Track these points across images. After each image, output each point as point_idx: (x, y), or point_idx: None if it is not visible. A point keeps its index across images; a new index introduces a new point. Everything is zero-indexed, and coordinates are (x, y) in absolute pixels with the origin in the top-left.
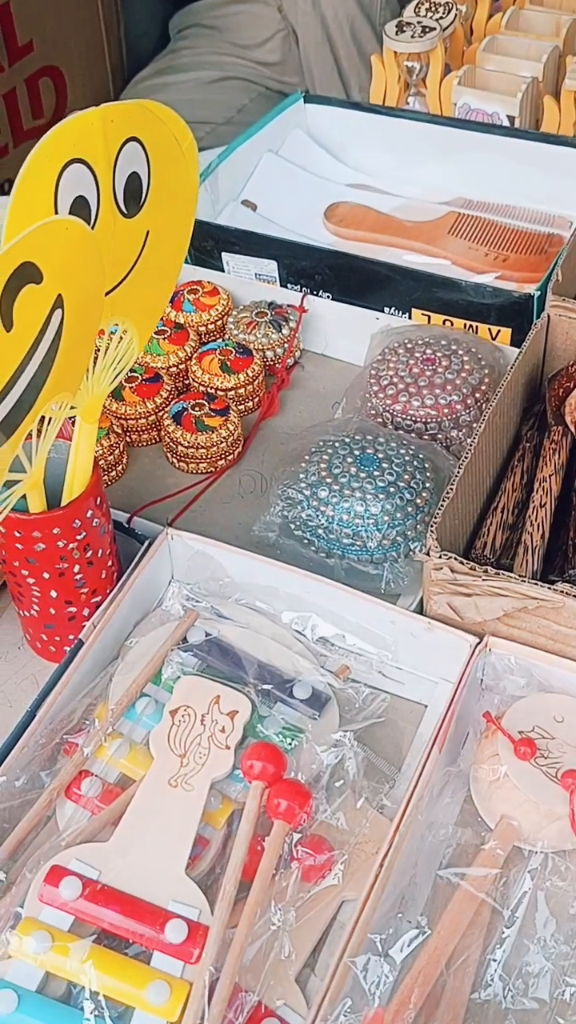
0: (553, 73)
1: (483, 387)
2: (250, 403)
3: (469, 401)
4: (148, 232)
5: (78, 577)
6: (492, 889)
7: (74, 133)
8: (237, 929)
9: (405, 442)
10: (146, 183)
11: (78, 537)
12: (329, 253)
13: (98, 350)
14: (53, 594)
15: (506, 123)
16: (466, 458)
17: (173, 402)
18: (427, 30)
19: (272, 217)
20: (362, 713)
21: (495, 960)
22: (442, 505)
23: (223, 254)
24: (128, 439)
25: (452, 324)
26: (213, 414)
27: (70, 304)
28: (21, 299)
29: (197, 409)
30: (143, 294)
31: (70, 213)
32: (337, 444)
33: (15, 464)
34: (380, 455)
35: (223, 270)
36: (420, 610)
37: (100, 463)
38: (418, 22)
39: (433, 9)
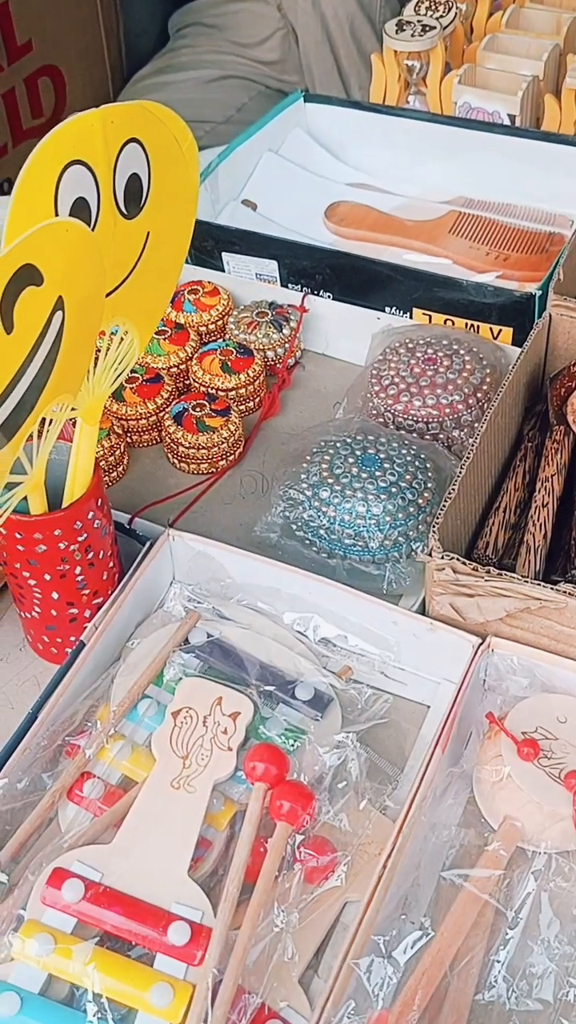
0: (554, 71)
1: (485, 387)
2: (251, 403)
3: (471, 401)
4: (148, 233)
5: (79, 578)
6: (495, 890)
7: (74, 134)
8: (240, 931)
9: (407, 442)
10: (146, 184)
11: (79, 538)
12: (330, 253)
13: (99, 351)
14: (54, 595)
15: (507, 122)
16: (468, 458)
17: (174, 403)
18: (427, 29)
19: (272, 217)
20: (364, 714)
21: (499, 961)
22: (444, 505)
23: (223, 254)
24: (129, 440)
25: (453, 324)
26: (214, 414)
27: (71, 306)
28: (22, 301)
29: (198, 409)
30: (144, 295)
31: (70, 215)
32: (338, 444)
33: (16, 466)
34: (382, 455)
35: (223, 270)
36: (422, 611)
37: (101, 464)
38: (418, 21)
39: (433, 8)
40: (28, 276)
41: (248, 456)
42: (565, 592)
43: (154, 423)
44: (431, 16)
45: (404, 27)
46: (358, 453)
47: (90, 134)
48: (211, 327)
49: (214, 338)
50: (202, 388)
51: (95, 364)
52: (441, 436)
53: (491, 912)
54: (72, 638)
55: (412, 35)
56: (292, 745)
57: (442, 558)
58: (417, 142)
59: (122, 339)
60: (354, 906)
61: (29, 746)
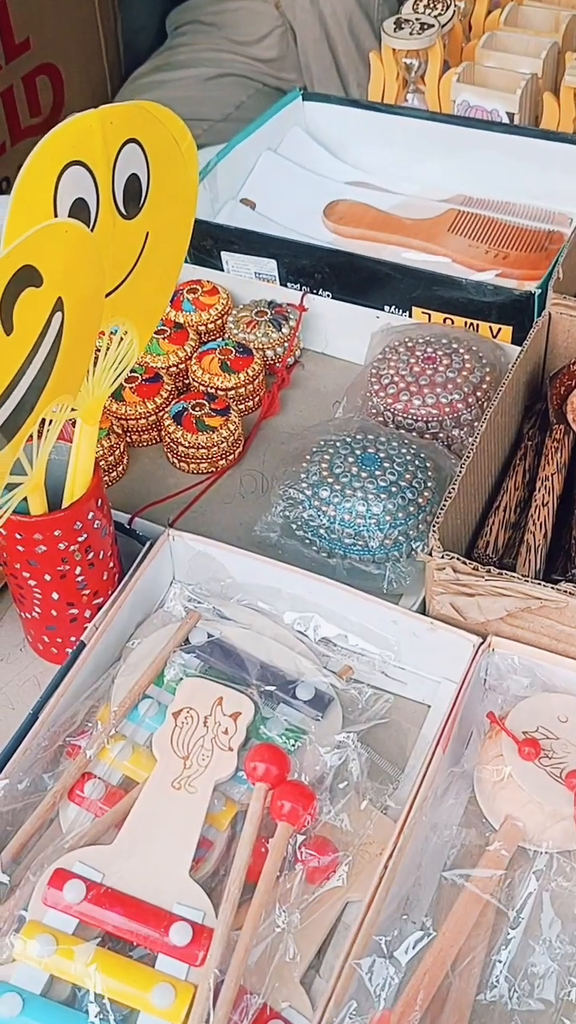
0: (552, 69)
1: (484, 386)
2: (250, 403)
3: (470, 400)
4: (148, 233)
5: (79, 579)
6: (497, 890)
7: (73, 135)
8: (241, 931)
9: (406, 441)
10: (145, 184)
11: (79, 539)
12: (329, 251)
13: (98, 351)
14: (55, 596)
15: (505, 120)
16: (468, 457)
17: (173, 402)
18: (425, 27)
19: (271, 215)
20: (365, 714)
21: (500, 961)
22: (444, 505)
23: (222, 253)
24: (128, 439)
25: (453, 322)
26: (213, 414)
27: (70, 307)
28: (21, 302)
29: (197, 409)
30: (143, 295)
31: (69, 215)
32: (338, 444)
33: (16, 467)
34: (381, 454)
35: (222, 269)
36: (423, 610)
37: (100, 463)
38: (416, 19)
39: (432, 6)
40: (28, 277)
41: (248, 455)
42: (565, 591)
43: (154, 423)
44: (429, 14)
45: (402, 25)
46: (358, 452)
47: (89, 135)
48: (210, 326)
49: (213, 337)
50: (201, 387)
51: (94, 364)
52: (441, 435)
53: (492, 912)
54: (72, 638)
55: (410, 33)
56: (293, 745)
57: (442, 557)
58: (416, 140)
59: (121, 339)
60: (355, 906)
61: (30, 747)
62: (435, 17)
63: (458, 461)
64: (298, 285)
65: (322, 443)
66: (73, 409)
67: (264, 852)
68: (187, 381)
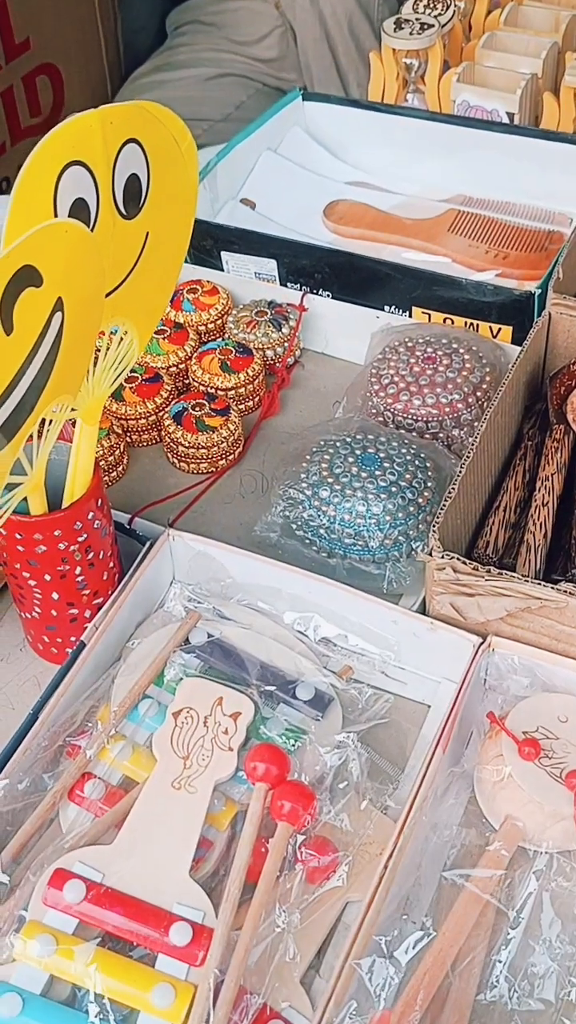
0: (552, 69)
1: (484, 386)
2: (250, 402)
3: (470, 400)
4: (148, 233)
5: (79, 579)
6: (497, 890)
7: (73, 135)
8: (241, 931)
9: (406, 441)
10: (145, 184)
11: (79, 539)
12: (329, 251)
13: (98, 351)
14: (55, 596)
15: (505, 120)
16: (468, 457)
17: (173, 402)
18: (425, 27)
19: (271, 215)
20: (365, 714)
21: (500, 961)
22: (444, 505)
23: (222, 253)
24: (128, 439)
25: (453, 322)
26: (213, 414)
27: (70, 307)
28: (21, 303)
29: (197, 409)
30: (143, 295)
31: (69, 215)
32: (338, 444)
33: (16, 467)
34: (381, 454)
35: (222, 269)
36: (423, 610)
37: (100, 463)
38: (416, 19)
39: (431, 6)
40: (28, 277)
41: (248, 455)
42: (565, 591)
43: (154, 423)
44: (429, 14)
45: (402, 25)
46: (358, 452)
47: (89, 135)
48: (210, 326)
49: (213, 337)
50: (201, 387)
51: (94, 364)
52: (441, 435)
53: (492, 912)
54: (72, 638)
55: (410, 33)
56: (293, 745)
57: (442, 557)
58: (416, 140)
59: (121, 339)
60: (355, 906)
61: (30, 747)
62: (435, 17)
63: (458, 461)
64: (298, 285)
65: (322, 443)
66: (73, 409)
67: (264, 852)
68: (187, 381)
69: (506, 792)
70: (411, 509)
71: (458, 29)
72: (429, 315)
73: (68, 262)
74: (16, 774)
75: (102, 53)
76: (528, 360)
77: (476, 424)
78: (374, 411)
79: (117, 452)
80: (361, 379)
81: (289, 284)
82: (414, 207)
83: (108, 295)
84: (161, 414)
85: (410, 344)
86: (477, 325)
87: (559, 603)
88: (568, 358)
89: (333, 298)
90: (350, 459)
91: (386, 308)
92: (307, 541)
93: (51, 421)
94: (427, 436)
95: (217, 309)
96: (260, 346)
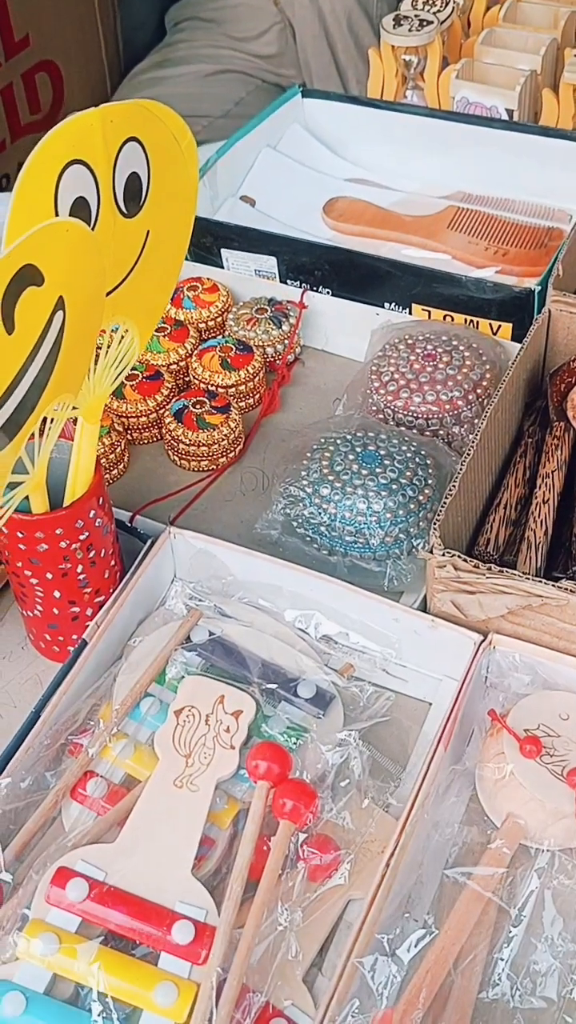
0: (551, 66)
1: (484, 383)
2: (251, 400)
3: (470, 397)
4: (148, 232)
5: (81, 577)
6: (499, 888)
7: (73, 134)
8: (244, 929)
9: (407, 439)
10: (146, 183)
11: (81, 537)
12: (329, 249)
13: (99, 349)
14: (56, 594)
15: (505, 116)
16: (468, 454)
17: (174, 400)
18: (425, 23)
19: (271, 212)
20: (366, 712)
21: (502, 959)
22: (445, 502)
23: (222, 250)
24: (129, 437)
25: (453, 319)
26: (214, 411)
27: (71, 306)
28: (23, 302)
29: (198, 407)
30: (144, 294)
31: (70, 214)
32: (339, 441)
33: (18, 465)
34: (382, 452)
35: (222, 266)
36: (423, 607)
37: (101, 461)
38: (415, 15)
39: (431, 2)
40: (29, 276)
41: (248, 453)
42: (566, 589)
43: (154, 420)
44: (428, 11)
45: (401, 22)
46: (358, 450)
47: (89, 133)
48: (210, 324)
49: (213, 335)
50: (202, 385)
51: (95, 363)
52: (441, 432)
53: (494, 910)
54: (74, 636)
55: (409, 30)
56: (294, 743)
57: (443, 555)
58: (415, 137)
59: (122, 337)
60: (357, 904)
61: (32, 745)
62: (434, 14)
63: (458, 458)
64: (298, 282)
65: (322, 440)
66: (74, 408)
67: (266, 850)
68: (188, 379)
69: (508, 790)
70: (412, 506)
71: (457, 25)
72: (429, 312)
73: (69, 261)
74: (19, 772)
75: (101, 50)
76: (528, 357)
77: (476, 421)
78: (374, 408)
79: (118, 450)
80: (361, 376)
81: (289, 281)
82: (414, 204)
83: (109, 294)
84: (162, 412)
85: (410, 341)
86: (477, 322)
87: (560, 601)
88: (568, 355)
89: (333, 295)
90: (350, 456)
91: (386, 305)
92: (308, 539)
93: (52, 420)
94: (427, 433)
95: (217, 306)
96: (260, 343)
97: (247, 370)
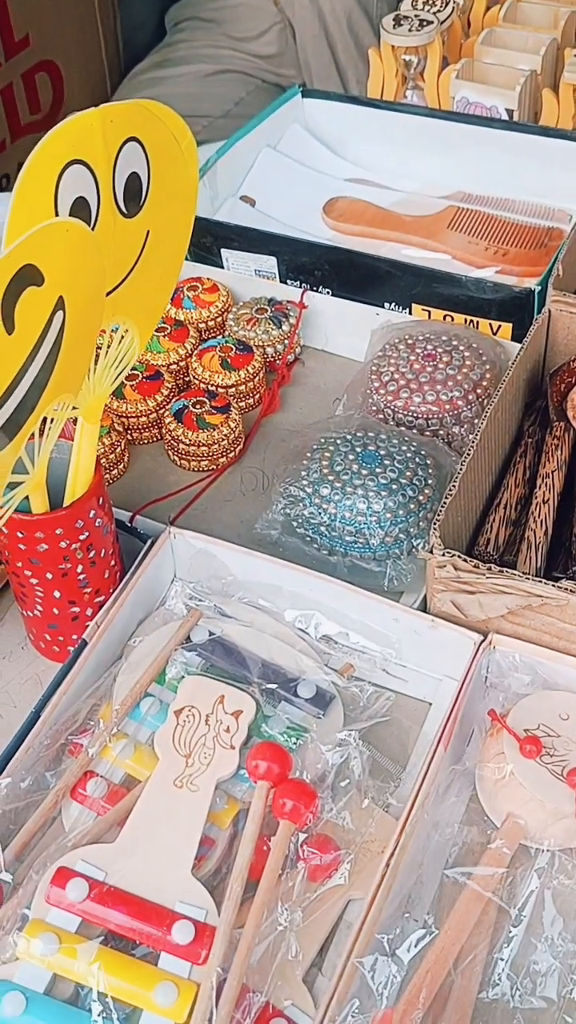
0: (551, 66)
1: (484, 383)
2: (251, 400)
3: (471, 397)
4: (148, 232)
5: (81, 577)
6: (499, 888)
7: (74, 134)
8: (244, 929)
9: (407, 439)
10: (146, 183)
11: (81, 537)
12: (329, 249)
13: (99, 349)
14: (56, 594)
15: (505, 116)
16: (468, 454)
17: (174, 400)
18: (425, 23)
19: (271, 212)
20: (366, 712)
21: (502, 959)
22: (445, 502)
23: (222, 250)
24: (129, 437)
25: (453, 319)
26: (214, 411)
27: (71, 305)
28: (23, 302)
29: (198, 407)
30: (144, 294)
31: (70, 214)
32: (339, 441)
33: (18, 465)
34: (382, 452)
35: (222, 266)
36: (424, 607)
37: (101, 461)
38: (416, 15)
39: (430, 2)
40: (29, 276)
41: (248, 453)
42: (566, 589)
43: (154, 420)
44: (428, 11)
45: (401, 22)
46: (358, 450)
47: (90, 133)
48: (210, 324)
49: (213, 335)
50: (202, 385)
51: (95, 363)
52: (441, 432)
53: (494, 910)
54: (74, 636)
55: (409, 30)
56: (294, 743)
57: (443, 555)
58: (415, 137)
59: (122, 337)
60: (357, 904)
61: (32, 745)
62: (434, 14)
63: (458, 458)
64: (298, 282)
65: (322, 440)
66: (74, 408)
67: (266, 850)
68: (187, 378)
69: (507, 790)
70: (412, 506)
71: (457, 25)
72: (429, 312)
73: (69, 261)
74: (19, 772)
75: (101, 50)
76: (528, 357)
77: (476, 421)
78: (374, 408)
79: (118, 450)
80: (361, 376)
81: (289, 281)
82: (414, 204)
83: (109, 293)
84: (162, 412)
85: (410, 341)
86: (477, 322)
87: (560, 601)
88: (568, 355)
89: (333, 295)
90: (350, 456)
91: (386, 305)
92: (308, 539)
93: (52, 420)
94: (427, 433)
95: (217, 306)
96: (260, 343)
97: (247, 370)
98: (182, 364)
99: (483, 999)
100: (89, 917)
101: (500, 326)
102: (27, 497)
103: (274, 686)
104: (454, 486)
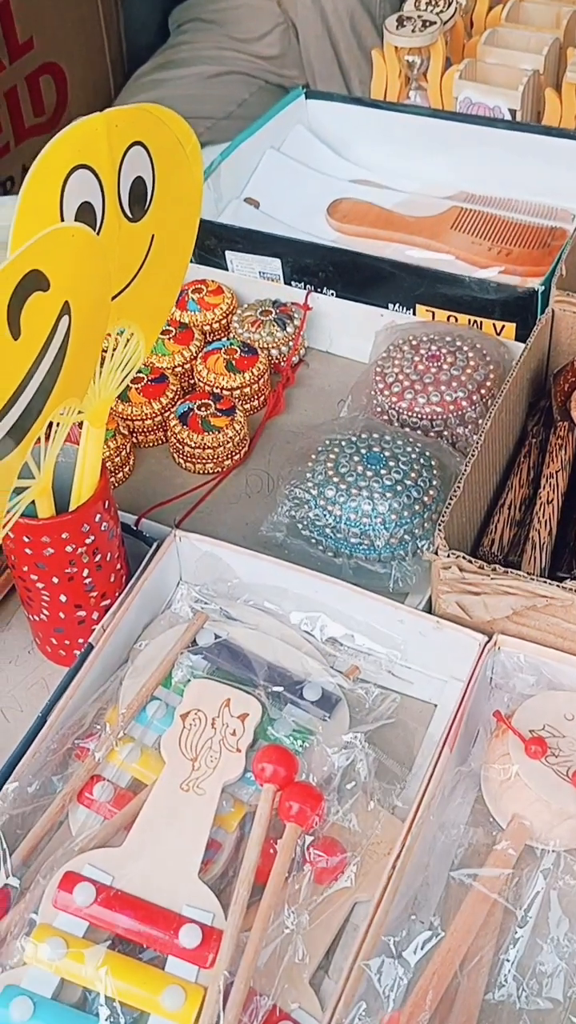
0: (554, 65)
1: (488, 383)
2: (255, 402)
3: (475, 397)
4: (153, 236)
5: (87, 581)
6: (505, 889)
7: (78, 139)
8: (251, 933)
9: (411, 440)
10: (151, 187)
11: (87, 541)
12: (333, 250)
13: (104, 351)
14: (62, 598)
15: (508, 116)
16: (473, 455)
17: (179, 402)
18: (427, 24)
19: (275, 214)
20: (372, 714)
21: (508, 960)
22: (450, 503)
23: (227, 252)
24: (135, 440)
25: (456, 320)
26: (219, 414)
27: (77, 310)
28: (28, 307)
29: (203, 409)
30: (149, 297)
31: (76, 219)
32: (343, 443)
33: (23, 470)
34: (387, 453)
35: (227, 269)
36: (429, 609)
37: (107, 464)
38: (418, 16)
39: (433, 3)
40: (35, 282)
41: (253, 455)
42: (571, 589)
43: (159, 423)
44: (431, 11)
45: (404, 23)
46: (363, 451)
47: (94, 138)
48: (215, 326)
49: (218, 337)
50: (207, 387)
51: (101, 366)
52: (445, 433)
53: (500, 911)
54: (80, 640)
55: (413, 31)
56: (300, 746)
57: (448, 556)
58: (418, 138)
59: (128, 340)
60: (364, 906)
61: (39, 749)
62: (437, 14)
63: (463, 459)
64: (302, 284)
65: (327, 442)
66: (80, 412)
67: (272, 853)
68: (192, 381)
69: (513, 791)
70: (416, 508)
71: (460, 26)
72: (433, 313)
73: (75, 266)
74: (25, 777)
75: (105, 52)
76: (532, 357)
77: (480, 422)
78: (379, 409)
79: (123, 453)
80: (366, 377)
81: (293, 283)
82: (417, 205)
83: (114, 298)
84: (167, 414)
85: (414, 342)
86: (481, 323)
87: (565, 601)
88: (572, 355)
89: (337, 297)
90: (355, 458)
91: (390, 306)
92: (313, 541)
93: (58, 424)
94: (432, 434)
95: (222, 309)
96: (265, 345)
97: (252, 372)
98: (187, 367)
99: (489, 1000)
100: (96, 921)
101: (504, 326)
102: (33, 501)
103: (280, 689)
104: (459, 487)
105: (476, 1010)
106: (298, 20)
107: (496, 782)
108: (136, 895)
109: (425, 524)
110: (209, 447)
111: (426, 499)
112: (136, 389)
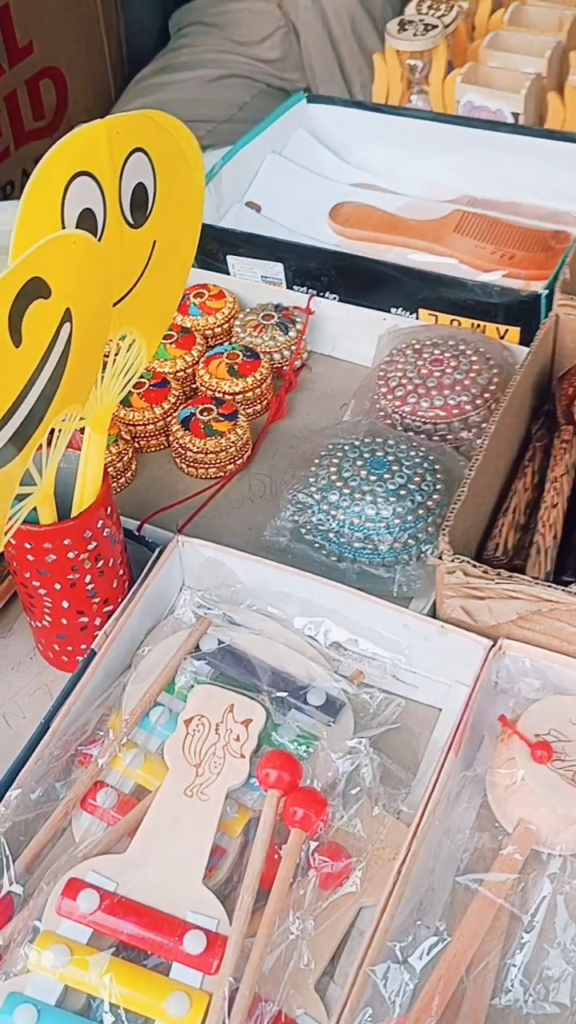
0: (557, 69)
1: (492, 387)
2: (258, 406)
3: (478, 401)
4: (155, 242)
5: (89, 587)
6: (511, 894)
7: (79, 146)
8: (256, 938)
9: (415, 444)
10: (152, 193)
11: (89, 547)
12: (335, 254)
13: (106, 356)
14: (65, 604)
15: (510, 120)
16: (477, 459)
17: (181, 407)
18: (429, 28)
19: (277, 218)
20: (377, 719)
21: (515, 965)
22: (454, 507)
23: (228, 257)
24: (137, 445)
25: (460, 324)
26: (221, 419)
27: (78, 317)
28: (30, 314)
29: (205, 414)
30: (151, 303)
31: (77, 226)
32: (347, 447)
33: (26, 477)
34: (390, 457)
35: (229, 273)
36: (433, 613)
37: (109, 469)
38: (420, 19)
39: (435, 6)
40: (36, 289)
41: (256, 460)
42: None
43: (162, 428)
44: (433, 15)
45: (406, 26)
46: (366, 456)
47: (95, 145)
48: (217, 330)
49: (220, 341)
50: (209, 392)
51: (102, 372)
52: (449, 437)
53: (506, 916)
54: (83, 646)
55: (414, 34)
56: (305, 751)
57: (452, 561)
58: (420, 141)
59: (130, 346)
60: (369, 912)
61: (42, 756)
62: (439, 18)
63: (467, 463)
64: (304, 288)
65: (330, 447)
66: (82, 418)
67: (277, 859)
68: (194, 386)
69: (519, 795)
70: (420, 512)
71: (462, 29)
72: (436, 317)
73: (76, 273)
74: (29, 783)
75: (105, 56)
76: (536, 361)
77: (484, 426)
78: (382, 413)
79: (125, 458)
80: (368, 382)
81: (295, 287)
82: (419, 208)
83: (116, 304)
84: (169, 419)
85: (417, 346)
86: (484, 326)
87: (570, 605)
88: None
89: (340, 300)
90: (359, 462)
91: (393, 310)
92: (316, 545)
93: (60, 430)
94: (435, 438)
95: (224, 313)
96: (267, 349)
97: (254, 376)
98: (189, 371)
99: (496, 1005)
100: (100, 928)
101: (507, 330)
102: (35, 508)
103: (284, 694)
104: (463, 491)
105: (483, 1015)
106: (299, 23)
107: (502, 787)
108: (140, 901)
109: (429, 528)
110: (211, 452)
111: (430, 503)
112: (138, 394)
